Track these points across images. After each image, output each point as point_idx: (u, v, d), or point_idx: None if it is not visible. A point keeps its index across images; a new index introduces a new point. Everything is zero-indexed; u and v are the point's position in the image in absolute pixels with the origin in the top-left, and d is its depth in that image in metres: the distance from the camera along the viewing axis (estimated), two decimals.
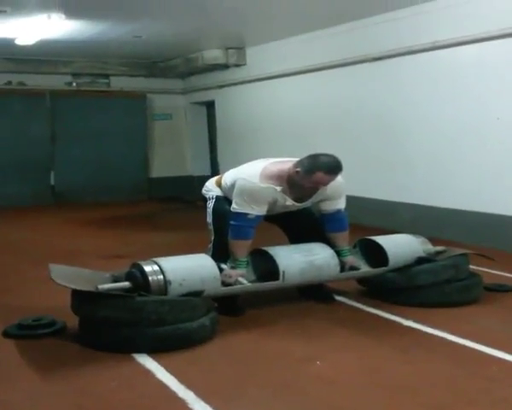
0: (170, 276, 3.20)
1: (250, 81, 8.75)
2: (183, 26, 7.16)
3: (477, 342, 3.10)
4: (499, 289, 4.05)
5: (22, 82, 9.60)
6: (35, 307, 3.67)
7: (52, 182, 9.80)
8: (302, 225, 3.82)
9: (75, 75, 9.94)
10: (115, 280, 3.33)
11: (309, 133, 7.64)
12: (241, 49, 8.83)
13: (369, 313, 3.68)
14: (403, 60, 6.36)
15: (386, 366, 2.87)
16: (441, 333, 3.26)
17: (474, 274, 3.91)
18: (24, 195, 9.29)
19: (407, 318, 3.50)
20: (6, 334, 3.26)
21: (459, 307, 3.66)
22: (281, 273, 3.50)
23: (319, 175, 3.39)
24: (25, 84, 9.63)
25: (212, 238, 3.74)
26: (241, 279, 3.45)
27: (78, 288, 3.06)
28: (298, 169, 3.43)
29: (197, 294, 3.21)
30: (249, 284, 3.50)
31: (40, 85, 9.56)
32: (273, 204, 3.53)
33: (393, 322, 3.49)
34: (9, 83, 9.54)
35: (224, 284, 3.40)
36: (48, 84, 9.61)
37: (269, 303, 3.87)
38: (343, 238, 3.76)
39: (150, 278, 3.18)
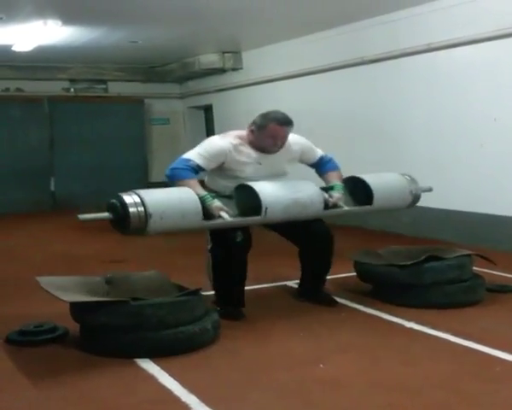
0: (151, 208, 3.13)
1: (247, 85, 8.76)
2: (179, 31, 7.17)
3: (480, 343, 3.10)
4: (501, 289, 4.05)
5: (20, 88, 9.60)
6: (36, 313, 3.66)
7: (52, 188, 9.79)
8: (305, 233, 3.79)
9: (72, 81, 9.94)
10: (107, 282, 3.32)
11: (305, 135, 7.60)
12: (237, 53, 8.84)
13: (371, 314, 3.68)
14: (398, 62, 6.38)
15: (389, 368, 2.86)
16: (443, 335, 3.26)
17: (477, 275, 3.91)
18: (24, 201, 9.28)
19: (409, 319, 3.49)
20: (8, 340, 3.25)
21: (460, 309, 3.66)
22: (263, 209, 3.42)
23: (272, 127, 3.57)
24: (22, 91, 9.62)
25: (209, 246, 3.72)
26: (223, 214, 3.40)
27: (67, 298, 3.02)
28: (252, 128, 3.62)
29: (194, 292, 3.20)
30: (230, 219, 3.41)
31: (38, 92, 9.56)
32: (236, 162, 3.54)
33: (395, 324, 3.49)
34: (7, 89, 9.55)
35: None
36: (45, 91, 9.61)
37: (270, 306, 3.87)
38: (334, 176, 3.82)
39: (130, 210, 3.13)
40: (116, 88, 10.18)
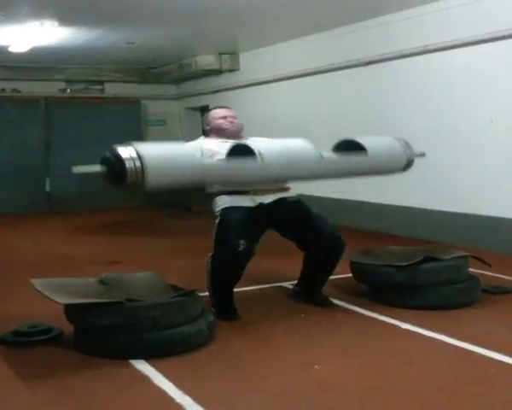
0: (148, 163, 2.94)
1: (244, 86, 8.76)
2: (177, 32, 7.16)
3: (475, 344, 3.09)
4: (496, 291, 4.05)
5: (16, 89, 9.58)
6: (31, 314, 3.64)
7: (48, 188, 9.76)
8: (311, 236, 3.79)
9: (69, 82, 9.93)
10: (102, 283, 3.30)
11: (302, 136, 7.63)
12: (234, 55, 8.84)
13: (367, 316, 3.67)
14: (395, 64, 6.39)
15: (385, 370, 2.86)
16: (439, 336, 3.25)
17: (473, 276, 3.91)
18: (19, 201, 9.25)
19: (405, 321, 3.49)
20: (2, 341, 3.24)
21: (456, 310, 3.66)
22: (257, 153, 3.35)
23: (215, 112, 3.95)
24: (19, 92, 9.60)
25: (212, 252, 3.68)
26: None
27: (61, 300, 2.98)
28: (207, 128, 3.94)
29: (189, 293, 3.19)
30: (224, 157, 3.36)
31: (34, 92, 9.54)
32: (215, 150, 3.56)
33: (391, 325, 3.48)
34: (3, 90, 9.52)
35: None
36: (42, 91, 9.60)
37: (266, 308, 3.86)
38: None
39: (127, 164, 2.94)
40: (113, 89, 10.17)
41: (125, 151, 3.02)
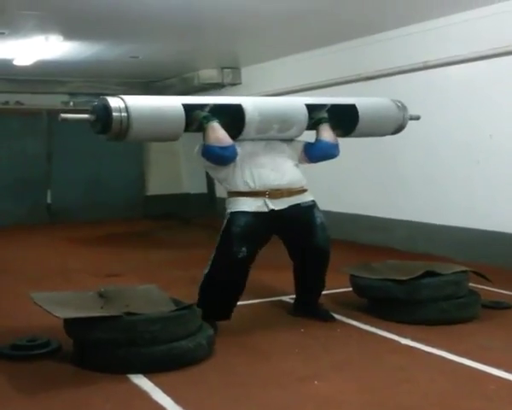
0: (134, 114, 3.14)
1: None
2: (180, 47, 7.22)
3: (475, 360, 3.09)
4: (496, 306, 4.04)
5: (19, 102, 9.64)
6: (30, 327, 3.64)
7: (49, 200, 9.78)
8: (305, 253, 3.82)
9: (72, 95, 9.98)
10: (102, 296, 3.30)
11: None
12: (236, 69, 8.90)
13: (366, 331, 3.67)
14: (394, 79, 6.42)
15: (385, 385, 2.85)
16: (439, 351, 3.25)
17: (472, 291, 3.91)
18: (20, 213, 9.26)
19: (405, 336, 3.48)
20: (0, 354, 3.23)
21: (456, 325, 3.65)
22: (245, 108, 3.49)
23: None
24: (22, 104, 9.66)
25: (213, 255, 3.66)
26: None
27: (60, 314, 2.99)
28: None
29: (188, 307, 3.18)
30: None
31: (37, 105, 9.59)
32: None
33: (391, 340, 3.48)
34: (7, 103, 9.58)
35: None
36: (45, 104, 9.64)
37: (265, 322, 3.86)
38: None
39: (114, 115, 3.15)
40: None
41: (114, 101, 3.21)
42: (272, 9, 5.48)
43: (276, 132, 3.73)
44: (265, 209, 3.62)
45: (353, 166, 6.94)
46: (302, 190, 3.77)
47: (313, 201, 3.82)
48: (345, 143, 4.13)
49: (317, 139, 3.91)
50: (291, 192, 3.70)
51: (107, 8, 5.38)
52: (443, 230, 5.95)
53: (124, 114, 3.18)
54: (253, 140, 3.73)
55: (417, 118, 4.31)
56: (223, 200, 3.87)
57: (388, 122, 4.16)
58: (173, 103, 3.45)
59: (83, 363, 3.06)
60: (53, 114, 9.72)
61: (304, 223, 3.76)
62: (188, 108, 3.43)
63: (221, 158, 3.60)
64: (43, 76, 9.16)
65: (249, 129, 3.60)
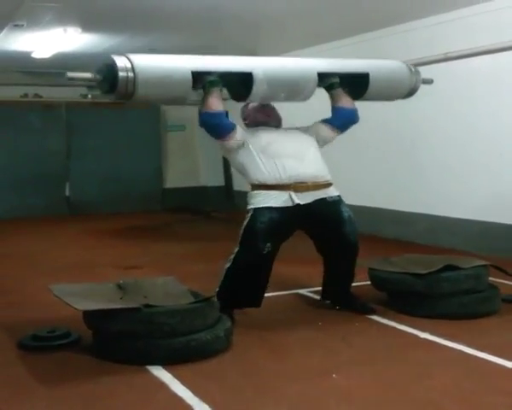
0: (141, 75, 3.11)
1: None
2: (197, 40, 7.21)
3: (495, 355, 3.05)
4: None
5: (38, 94, 9.72)
6: (50, 318, 3.68)
7: (67, 193, 9.88)
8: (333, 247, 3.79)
9: (90, 87, 10.03)
10: (120, 288, 3.32)
11: None
12: None
13: (385, 325, 3.64)
14: None
15: (403, 380, 2.82)
16: (458, 346, 3.21)
17: (492, 286, 3.86)
18: (39, 205, 9.35)
19: (423, 330, 3.45)
20: (21, 345, 3.27)
21: (475, 320, 3.61)
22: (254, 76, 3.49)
23: (250, 107, 3.87)
24: (41, 97, 9.74)
25: (236, 250, 3.62)
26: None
27: (79, 306, 3.01)
28: (243, 117, 3.94)
29: (207, 299, 3.19)
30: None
31: (56, 98, 9.66)
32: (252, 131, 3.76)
33: (410, 334, 3.45)
34: (26, 95, 9.67)
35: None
36: (63, 97, 9.71)
37: (284, 315, 3.85)
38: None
39: (120, 74, 3.12)
40: None
41: (120, 61, 3.18)
42: (292, 0, 5.44)
43: (283, 99, 3.76)
44: (290, 204, 3.55)
45: (374, 159, 6.89)
46: (327, 184, 3.70)
47: (339, 196, 3.74)
48: (366, 137, 4.09)
49: (334, 107, 3.88)
50: (317, 186, 3.62)
51: (125, 0, 5.39)
52: (464, 223, 5.88)
53: (130, 74, 3.14)
54: (267, 129, 3.74)
55: (430, 81, 4.18)
56: (239, 193, 3.86)
57: (401, 86, 4.08)
58: (181, 64, 3.41)
59: (102, 354, 3.08)
60: (71, 106, 9.83)
61: (331, 218, 3.69)
62: (195, 73, 3.40)
63: (210, 126, 3.60)
64: (62, 68, 9.20)
65: (255, 96, 3.64)
